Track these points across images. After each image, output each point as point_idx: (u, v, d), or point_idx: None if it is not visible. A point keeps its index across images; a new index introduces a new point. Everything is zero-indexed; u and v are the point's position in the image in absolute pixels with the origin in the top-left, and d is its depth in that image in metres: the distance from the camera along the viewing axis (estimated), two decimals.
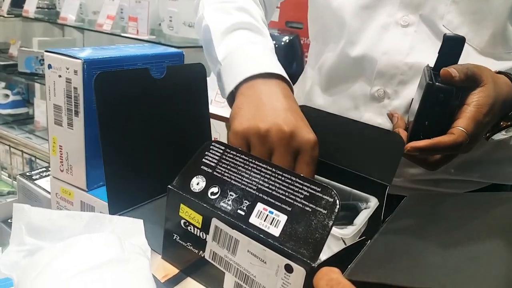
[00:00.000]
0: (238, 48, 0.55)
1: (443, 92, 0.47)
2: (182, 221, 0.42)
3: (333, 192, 0.36)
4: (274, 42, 0.82)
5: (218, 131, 1.77)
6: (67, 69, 0.52)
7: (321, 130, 0.54)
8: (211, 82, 2.05)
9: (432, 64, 0.52)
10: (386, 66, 0.62)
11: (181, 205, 0.42)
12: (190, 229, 0.42)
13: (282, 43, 1.55)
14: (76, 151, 0.54)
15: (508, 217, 0.39)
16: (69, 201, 0.57)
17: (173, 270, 0.45)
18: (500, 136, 0.53)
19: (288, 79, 0.52)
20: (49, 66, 0.53)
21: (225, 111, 1.66)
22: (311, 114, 0.50)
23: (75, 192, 0.56)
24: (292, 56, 1.58)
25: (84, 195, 0.55)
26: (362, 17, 0.63)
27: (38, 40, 2.49)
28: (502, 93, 0.50)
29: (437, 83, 0.47)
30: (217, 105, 1.69)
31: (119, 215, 0.51)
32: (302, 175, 0.38)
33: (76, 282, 0.30)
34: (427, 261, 0.32)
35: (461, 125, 0.47)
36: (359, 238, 0.48)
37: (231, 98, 0.53)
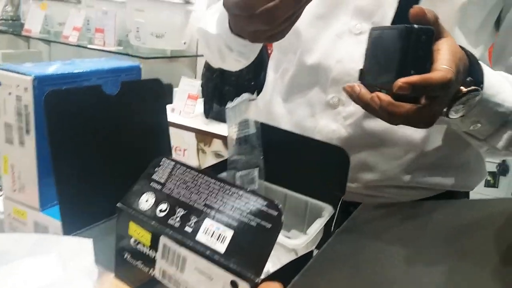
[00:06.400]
0: None
1: (425, 32, 0.44)
2: (132, 239, 0.42)
3: (278, 206, 0.37)
4: None
5: (187, 142, 1.75)
6: (17, 86, 0.51)
7: (277, 148, 0.56)
8: (180, 93, 2.00)
9: None
10: (340, 74, 0.63)
11: (130, 223, 0.42)
12: (140, 247, 0.41)
13: None
14: (28, 170, 0.53)
15: (451, 226, 0.41)
16: (22, 221, 0.55)
17: None
18: (459, 111, 0.48)
19: None
20: None
21: (193, 122, 1.65)
22: (267, 132, 0.51)
23: (28, 212, 0.55)
24: (260, 67, 1.59)
25: (37, 215, 0.54)
26: (317, 26, 0.65)
27: (2, 52, 2.42)
28: (461, 53, 0.47)
29: (415, 26, 0.44)
30: (187, 116, 1.68)
31: (74, 235, 0.50)
32: (249, 189, 0.39)
33: None
34: (367, 272, 0.33)
35: (444, 64, 0.44)
36: (314, 247, 0.49)
37: None
